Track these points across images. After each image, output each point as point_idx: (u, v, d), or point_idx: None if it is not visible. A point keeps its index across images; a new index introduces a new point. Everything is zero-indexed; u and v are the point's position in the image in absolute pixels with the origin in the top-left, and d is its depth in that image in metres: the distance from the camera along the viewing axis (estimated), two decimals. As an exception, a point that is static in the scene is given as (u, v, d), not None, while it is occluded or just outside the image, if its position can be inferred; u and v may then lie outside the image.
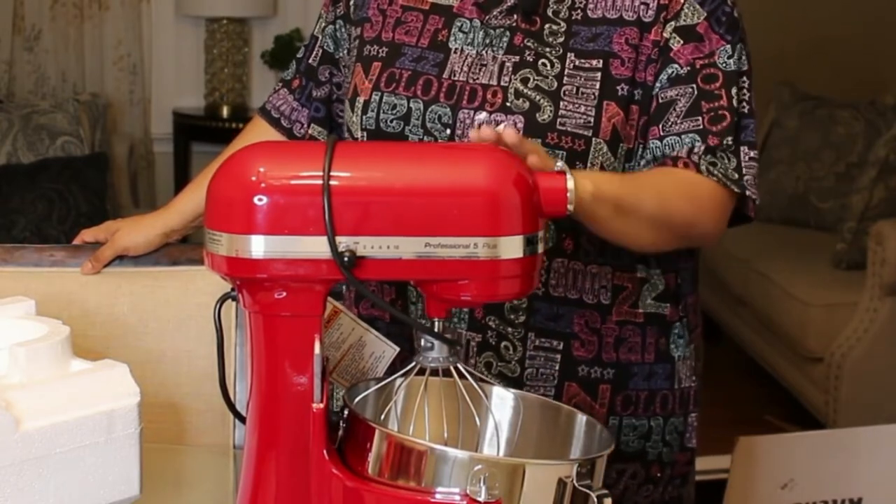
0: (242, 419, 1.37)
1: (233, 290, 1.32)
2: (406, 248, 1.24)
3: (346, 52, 1.81)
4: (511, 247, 1.25)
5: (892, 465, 2.79)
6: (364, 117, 1.70)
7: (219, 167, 1.31)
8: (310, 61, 1.86)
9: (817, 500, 2.79)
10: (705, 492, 3.46)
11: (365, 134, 1.70)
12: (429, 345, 1.31)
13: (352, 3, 1.79)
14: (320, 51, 1.84)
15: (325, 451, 1.28)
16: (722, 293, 4.83)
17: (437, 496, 1.23)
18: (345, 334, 1.50)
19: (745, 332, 4.64)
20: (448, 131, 1.65)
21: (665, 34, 1.64)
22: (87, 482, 1.28)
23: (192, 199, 1.88)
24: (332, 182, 1.23)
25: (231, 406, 1.47)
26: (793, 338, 4.15)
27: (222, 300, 1.38)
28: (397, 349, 1.52)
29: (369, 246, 1.24)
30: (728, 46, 1.64)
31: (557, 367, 1.67)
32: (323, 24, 1.84)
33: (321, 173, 1.23)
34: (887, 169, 4.16)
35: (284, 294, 1.27)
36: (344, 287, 1.74)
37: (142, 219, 1.92)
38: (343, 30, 1.81)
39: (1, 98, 4.74)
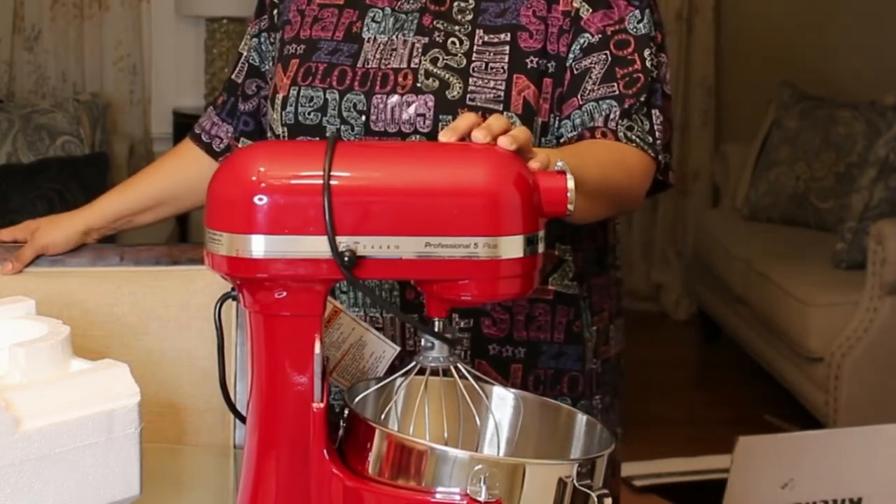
0: (242, 419, 1.37)
1: (233, 289, 1.32)
2: (406, 247, 1.24)
3: (271, 64, 1.84)
4: (511, 246, 1.25)
5: (892, 465, 2.79)
6: (283, 113, 1.72)
7: (219, 167, 1.31)
8: (233, 77, 1.90)
9: (817, 500, 2.79)
10: (705, 492, 3.47)
11: (285, 129, 1.72)
12: (429, 345, 1.31)
13: (276, 11, 1.82)
14: (245, 65, 1.88)
15: (325, 451, 1.28)
16: (722, 293, 4.84)
17: (438, 496, 1.23)
18: (345, 334, 1.50)
19: (745, 332, 4.64)
20: (363, 118, 1.67)
21: (575, 4, 1.66)
22: (87, 482, 1.28)
23: (116, 202, 1.91)
24: (333, 182, 1.23)
25: (231, 406, 1.47)
26: (793, 338, 4.15)
27: (222, 300, 1.38)
28: (397, 349, 1.52)
29: (369, 246, 1.24)
30: (637, 12, 1.66)
31: (468, 345, 1.68)
32: (248, 40, 1.88)
33: (321, 173, 1.23)
34: (887, 169, 4.16)
35: (285, 294, 1.27)
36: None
37: (60, 217, 1.92)
38: (267, 43, 1.84)
39: (1, 98, 4.74)
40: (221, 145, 1.91)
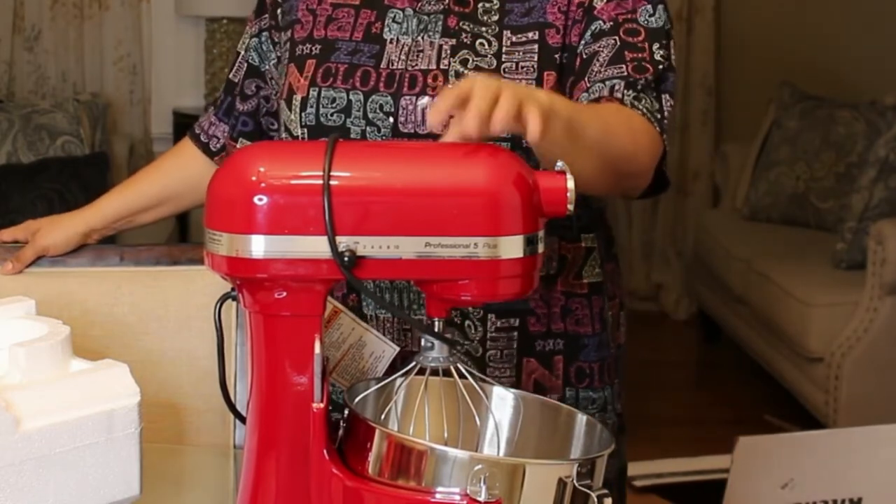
0: (242, 419, 1.37)
1: (233, 289, 1.32)
2: (406, 247, 1.24)
3: (273, 63, 1.83)
4: (511, 246, 1.25)
5: (892, 465, 2.79)
6: (303, 114, 1.71)
7: (219, 167, 1.31)
8: (230, 77, 1.89)
9: (817, 500, 2.78)
10: (705, 492, 3.46)
11: (305, 131, 1.71)
12: (429, 345, 1.31)
13: (279, 11, 1.81)
14: (244, 65, 1.87)
15: (325, 451, 1.28)
16: (722, 293, 4.84)
17: (437, 496, 1.23)
18: (345, 334, 1.50)
19: (745, 332, 4.64)
20: (391, 119, 1.66)
21: None
22: (87, 482, 1.28)
23: (116, 202, 1.91)
24: (333, 182, 1.23)
25: (231, 406, 1.47)
26: (793, 338, 4.15)
27: (222, 300, 1.38)
28: (397, 349, 1.52)
29: (369, 246, 1.24)
30: (649, 6, 1.67)
31: (516, 346, 1.69)
32: (246, 39, 1.87)
33: (321, 173, 1.23)
34: (887, 169, 4.16)
35: (284, 294, 1.27)
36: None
37: (61, 218, 1.92)
38: (268, 42, 1.83)
39: (1, 98, 4.74)
40: (218, 145, 1.91)
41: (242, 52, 1.87)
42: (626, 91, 1.60)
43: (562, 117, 1.39)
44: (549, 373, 1.71)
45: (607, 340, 1.76)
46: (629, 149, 1.55)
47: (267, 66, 1.84)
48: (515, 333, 1.69)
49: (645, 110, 1.60)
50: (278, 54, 1.81)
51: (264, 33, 1.83)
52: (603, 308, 1.75)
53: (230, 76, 1.89)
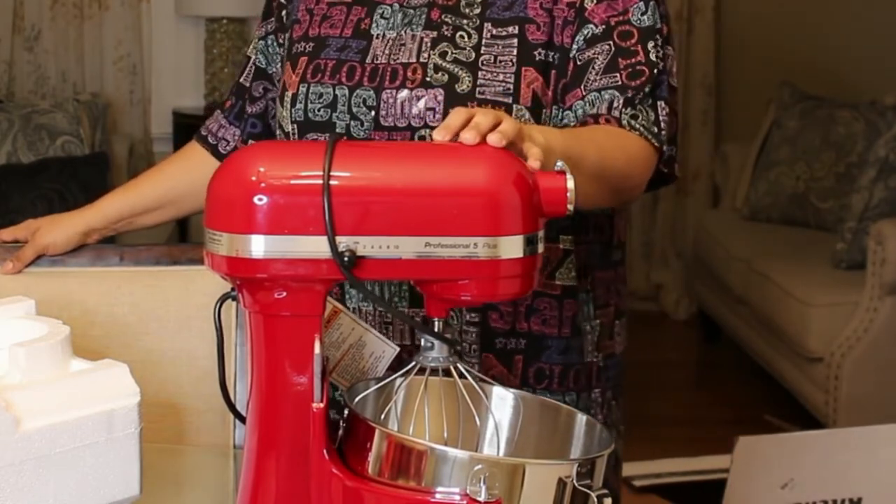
0: (242, 419, 1.37)
1: (233, 289, 1.32)
2: (406, 247, 1.24)
3: (279, 66, 1.84)
4: (511, 247, 1.25)
5: (892, 465, 2.79)
6: (293, 110, 1.72)
7: (219, 167, 1.31)
8: (240, 80, 1.90)
9: (817, 500, 2.78)
10: (705, 492, 3.46)
11: (295, 126, 1.73)
12: (429, 345, 1.31)
13: (284, 13, 1.83)
14: (253, 68, 1.88)
15: (325, 451, 1.28)
16: (722, 293, 4.84)
17: (437, 496, 1.23)
18: (345, 334, 1.50)
19: (745, 332, 4.64)
20: (372, 113, 1.68)
21: None
22: (87, 482, 1.28)
23: (117, 203, 1.91)
24: (333, 182, 1.23)
25: (231, 406, 1.47)
26: (793, 338, 4.15)
27: (222, 300, 1.38)
28: (397, 349, 1.52)
29: (369, 246, 1.24)
30: (641, 3, 1.67)
31: (476, 338, 1.69)
32: (255, 42, 1.89)
33: (321, 173, 1.23)
34: (887, 169, 4.16)
35: (284, 294, 1.27)
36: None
37: (62, 217, 1.92)
38: (274, 45, 1.85)
39: (1, 98, 4.74)
40: (228, 148, 1.90)
41: (252, 56, 1.89)
42: (623, 109, 1.62)
43: (558, 154, 1.40)
44: (507, 371, 1.70)
45: (579, 346, 1.74)
46: (624, 170, 1.58)
47: (274, 69, 1.85)
48: (474, 328, 1.69)
49: (641, 128, 1.62)
50: (282, 55, 1.82)
51: (270, 36, 1.85)
52: (577, 314, 1.73)
53: (240, 80, 1.90)
